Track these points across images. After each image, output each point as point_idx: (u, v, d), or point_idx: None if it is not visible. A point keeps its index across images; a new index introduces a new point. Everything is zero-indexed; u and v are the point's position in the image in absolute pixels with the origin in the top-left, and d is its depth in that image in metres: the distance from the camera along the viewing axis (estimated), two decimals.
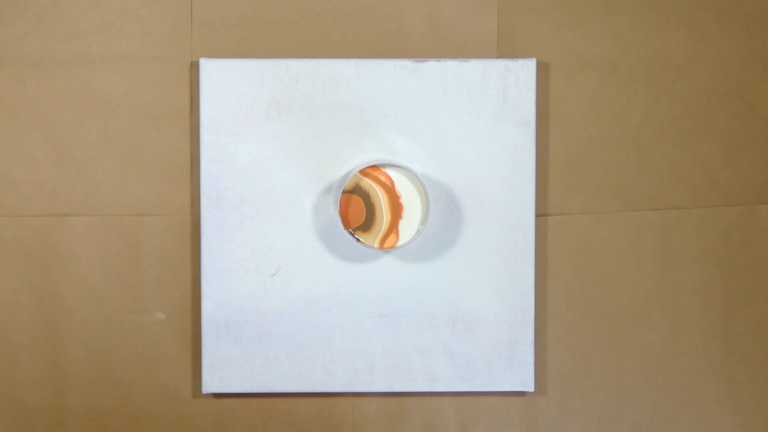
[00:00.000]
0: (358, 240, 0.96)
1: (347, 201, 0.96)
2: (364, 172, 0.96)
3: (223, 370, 1.02)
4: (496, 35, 1.03)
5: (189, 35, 1.01)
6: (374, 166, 0.96)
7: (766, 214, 1.07)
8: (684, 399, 1.08)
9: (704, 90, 1.06)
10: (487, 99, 1.01)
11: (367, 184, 0.96)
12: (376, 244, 0.96)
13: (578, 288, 1.06)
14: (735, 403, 1.09)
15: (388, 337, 1.03)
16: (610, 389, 1.07)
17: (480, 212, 1.02)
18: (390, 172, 0.96)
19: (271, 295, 1.02)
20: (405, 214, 0.97)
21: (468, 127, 1.01)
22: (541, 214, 1.05)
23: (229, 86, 1.00)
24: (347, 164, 1.01)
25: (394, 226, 0.97)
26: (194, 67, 1.01)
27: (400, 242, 0.96)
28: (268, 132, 1.00)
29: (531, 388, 1.04)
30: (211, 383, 1.02)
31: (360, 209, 0.96)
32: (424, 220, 0.96)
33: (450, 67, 1.01)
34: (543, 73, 1.03)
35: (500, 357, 1.03)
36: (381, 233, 0.96)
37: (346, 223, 0.96)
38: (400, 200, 0.96)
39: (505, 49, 1.03)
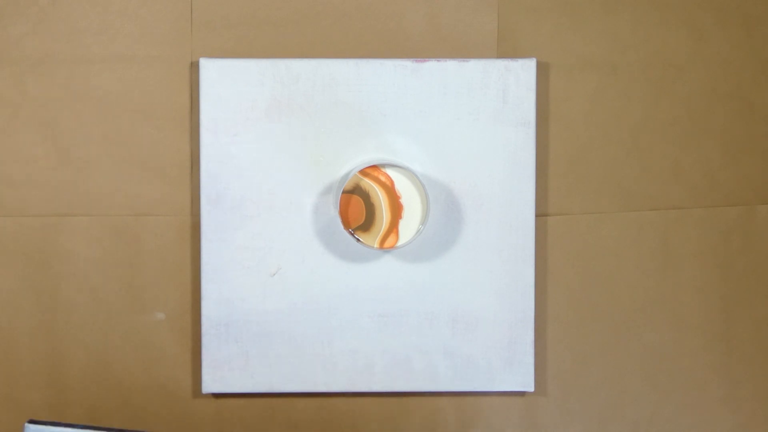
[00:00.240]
0: (358, 240, 0.96)
1: (347, 201, 0.96)
2: (364, 172, 0.96)
3: (223, 370, 1.02)
4: (496, 35, 1.03)
5: (189, 35, 1.01)
6: (374, 166, 0.96)
7: (766, 214, 1.07)
8: (684, 399, 1.08)
9: (704, 90, 1.06)
10: (487, 99, 1.01)
11: (367, 184, 0.96)
12: (376, 244, 0.96)
13: (578, 288, 1.06)
14: (735, 403, 1.09)
15: (388, 337, 1.03)
16: (610, 389, 1.07)
17: (480, 212, 1.02)
18: (390, 172, 0.96)
19: (271, 295, 1.02)
20: (405, 214, 0.97)
21: (468, 127, 1.01)
22: (541, 214, 1.05)
23: (229, 86, 1.00)
24: (347, 164, 1.01)
25: (394, 226, 0.97)
26: (194, 67, 1.01)
27: (400, 242, 0.96)
28: (268, 132, 1.00)
29: (531, 388, 1.04)
30: (211, 383, 1.02)
31: (360, 209, 0.96)
32: (424, 220, 0.96)
33: (450, 67, 1.01)
34: (543, 73, 1.03)
35: (500, 357, 1.03)
36: (381, 233, 0.96)
37: (346, 223, 0.96)
38: (400, 200, 0.96)
39: (505, 49, 1.03)
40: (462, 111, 1.01)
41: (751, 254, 1.07)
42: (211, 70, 1.00)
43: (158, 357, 1.03)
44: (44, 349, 1.03)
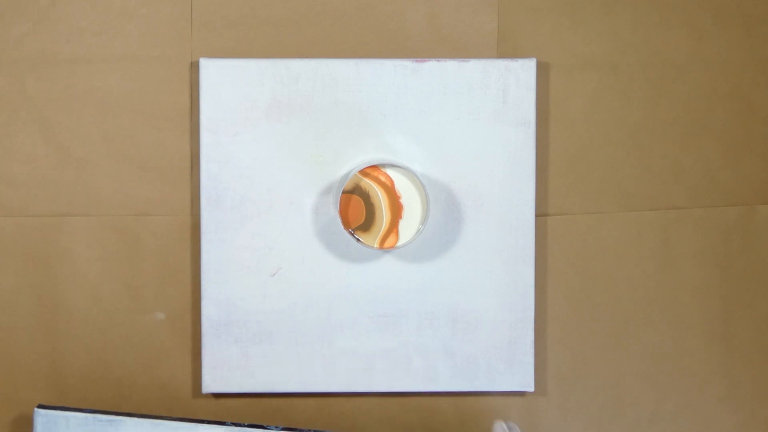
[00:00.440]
0: (358, 240, 0.96)
1: (347, 201, 0.96)
2: (364, 172, 0.96)
3: (223, 370, 1.02)
4: (496, 35, 1.03)
5: (189, 35, 1.01)
6: (374, 166, 0.96)
7: (766, 214, 1.07)
8: (684, 399, 1.08)
9: (704, 90, 1.06)
10: (487, 99, 1.01)
11: (367, 184, 0.96)
12: (376, 244, 0.96)
13: (578, 288, 1.06)
14: (735, 403, 1.09)
15: (388, 337, 1.03)
16: (610, 389, 1.07)
17: (480, 212, 1.02)
18: (390, 172, 0.96)
19: (271, 295, 1.02)
20: (405, 214, 0.97)
21: (468, 127, 1.01)
22: (541, 214, 1.05)
23: (229, 86, 1.00)
24: (347, 164, 1.01)
25: (394, 226, 0.97)
26: (194, 67, 1.01)
27: (400, 242, 0.96)
28: (268, 132, 1.00)
29: (531, 388, 1.04)
30: (211, 383, 1.02)
31: (360, 209, 0.96)
32: (424, 220, 0.96)
33: (450, 67, 1.01)
34: (543, 73, 1.03)
35: (500, 357, 1.03)
36: (381, 233, 0.96)
37: (346, 223, 0.96)
38: (400, 200, 0.96)
39: (505, 49, 1.03)
40: (462, 111, 1.01)
41: (751, 254, 1.07)
42: (211, 70, 1.00)
43: (158, 357, 1.03)
44: (44, 349, 1.03)
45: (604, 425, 1.07)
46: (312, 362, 1.02)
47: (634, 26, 1.04)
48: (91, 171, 1.02)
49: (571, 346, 1.06)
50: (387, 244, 0.97)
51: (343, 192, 0.96)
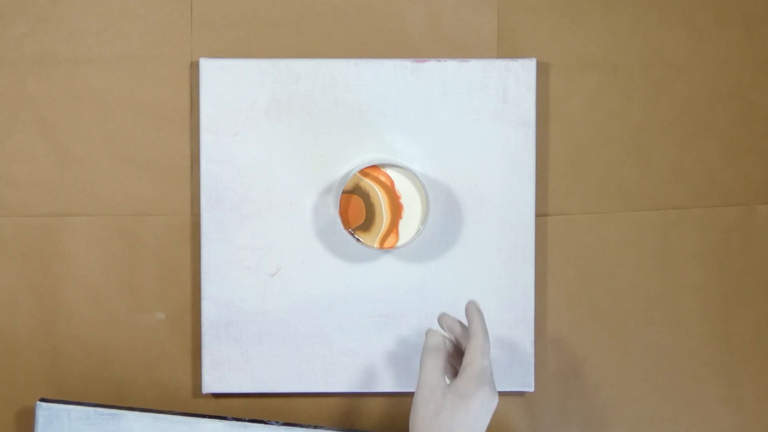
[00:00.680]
0: (358, 240, 0.96)
1: (347, 201, 0.96)
2: (364, 172, 0.96)
3: (223, 370, 1.02)
4: (496, 35, 1.03)
5: (189, 35, 1.01)
6: (374, 166, 0.96)
7: (766, 214, 1.07)
8: (684, 399, 1.08)
9: (704, 90, 1.06)
10: (487, 99, 1.01)
11: (367, 184, 0.96)
12: (376, 244, 0.96)
13: (578, 288, 1.06)
14: (735, 403, 1.09)
15: (388, 337, 1.03)
16: (610, 389, 1.07)
17: (480, 212, 1.02)
18: (390, 172, 0.96)
19: (271, 295, 1.02)
20: (405, 214, 0.97)
21: (468, 127, 1.01)
22: (541, 214, 1.05)
23: (229, 86, 1.00)
24: (347, 164, 1.01)
25: (394, 226, 0.97)
26: (194, 67, 1.01)
27: (400, 242, 0.96)
28: (268, 132, 1.00)
29: (531, 388, 1.04)
30: (211, 383, 1.02)
31: (360, 209, 0.96)
32: (424, 220, 0.96)
33: (450, 67, 1.01)
34: (543, 73, 1.03)
35: (500, 357, 1.03)
36: (381, 233, 0.96)
37: (346, 223, 0.96)
38: (400, 200, 0.96)
39: (505, 49, 1.03)
40: (462, 111, 1.01)
41: (751, 254, 1.07)
42: (211, 70, 1.00)
43: (158, 357, 1.03)
44: (44, 348, 1.03)
45: (604, 425, 1.07)
46: (312, 362, 1.02)
47: (634, 26, 1.04)
48: (91, 171, 1.02)
49: (571, 346, 1.06)
50: (387, 244, 0.97)
51: (343, 192, 0.96)
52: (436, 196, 1.01)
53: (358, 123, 1.01)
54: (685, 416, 1.08)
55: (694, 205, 1.06)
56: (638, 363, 1.07)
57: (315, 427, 1.00)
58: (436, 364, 0.86)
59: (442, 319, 0.91)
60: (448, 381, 0.87)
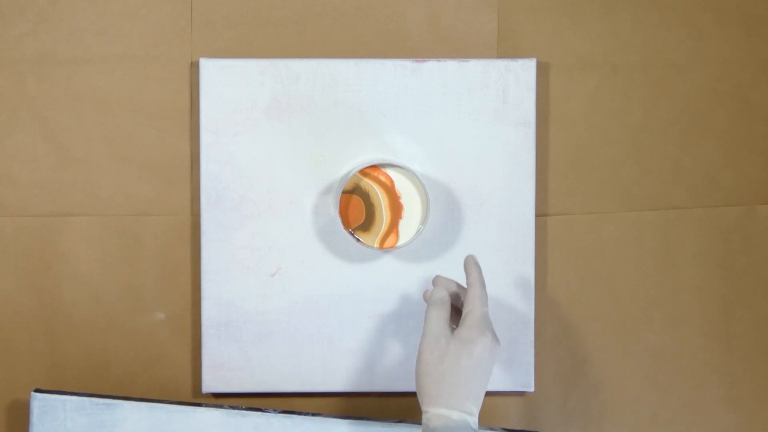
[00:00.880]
0: (358, 240, 0.96)
1: (347, 201, 0.96)
2: (364, 172, 0.96)
3: (223, 370, 1.02)
4: (496, 35, 1.03)
5: (189, 35, 1.01)
6: (374, 166, 0.96)
7: (766, 214, 1.07)
8: (684, 399, 1.08)
9: (704, 90, 1.06)
10: (487, 99, 1.01)
11: (367, 184, 0.96)
12: (376, 244, 0.96)
13: (578, 288, 1.06)
14: (735, 403, 1.09)
15: (388, 337, 1.03)
16: (610, 389, 1.07)
17: (480, 212, 1.02)
18: (390, 172, 0.96)
19: (271, 295, 1.02)
20: (405, 214, 0.97)
21: (468, 127, 1.01)
22: (541, 214, 1.05)
23: (229, 86, 1.00)
24: (347, 164, 1.01)
25: (394, 226, 0.97)
26: (194, 67, 1.01)
27: (400, 242, 0.96)
28: (268, 132, 1.00)
29: (531, 388, 1.04)
30: (211, 383, 1.02)
31: (360, 209, 0.96)
32: (424, 220, 0.96)
33: (450, 67, 1.01)
34: (543, 73, 1.03)
35: (500, 357, 1.03)
36: (381, 233, 0.96)
37: (346, 223, 0.96)
38: (400, 200, 0.96)
39: (505, 49, 1.03)
40: (462, 111, 1.01)
41: (751, 254, 1.07)
42: (211, 70, 1.00)
43: (158, 357, 1.03)
44: (44, 348, 1.03)
45: (604, 425, 1.07)
46: (312, 362, 1.02)
47: (634, 26, 1.04)
48: (91, 171, 1.02)
49: (571, 346, 1.06)
50: (387, 244, 0.97)
51: (343, 192, 0.96)
52: (436, 196, 1.01)
53: (358, 123, 1.01)
54: (685, 416, 1.08)
55: (694, 205, 1.06)
56: (638, 363, 1.07)
57: (313, 415, 1.00)
58: (441, 315, 0.87)
59: (437, 280, 0.92)
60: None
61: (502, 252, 1.02)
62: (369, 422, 1.00)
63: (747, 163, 1.07)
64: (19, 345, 1.02)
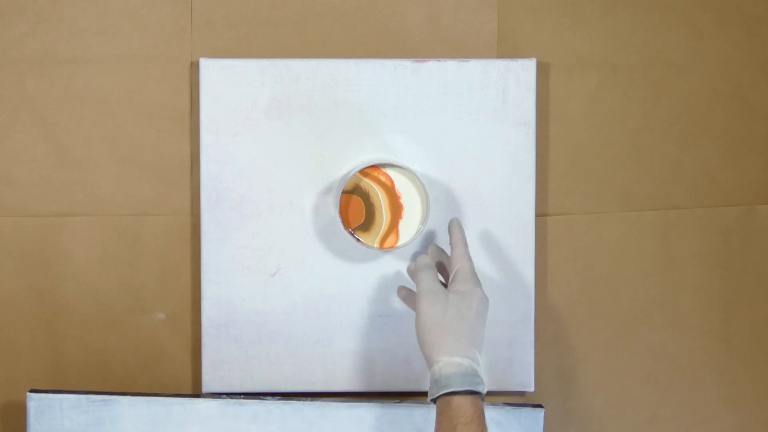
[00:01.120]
0: (358, 240, 0.96)
1: (347, 201, 0.96)
2: (364, 172, 0.96)
3: (223, 370, 1.02)
4: (496, 35, 1.03)
5: (189, 35, 1.01)
6: (374, 166, 0.96)
7: (766, 214, 1.07)
8: (684, 399, 1.08)
9: (704, 90, 1.06)
10: (487, 99, 1.01)
11: (367, 184, 0.96)
12: (376, 244, 0.96)
13: (578, 288, 1.06)
14: (735, 403, 1.09)
15: (388, 337, 1.03)
16: (610, 389, 1.07)
17: (480, 212, 1.02)
18: (390, 172, 0.96)
19: (271, 295, 1.02)
20: (405, 214, 0.97)
21: (468, 127, 1.01)
22: (541, 214, 1.05)
23: (229, 86, 1.00)
24: (347, 164, 1.01)
25: (394, 226, 0.97)
26: (194, 67, 1.01)
27: (400, 242, 0.96)
28: (268, 132, 1.00)
29: (531, 388, 1.04)
30: (211, 383, 1.02)
31: (360, 209, 0.96)
32: (424, 220, 0.96)
33: (450, 67, 1.01)
34: (543, 73, 1.03)
35: (500, 357, 1.03)
36: (381, 233, 0.96)
37: (346, 223, 0.96)
38: (400, 200, 0.96)
39: (505, 49, 1.03)
40: (462, 111, 1.01)
41: (751, 254, 1.07)
42: (211, 70, 1.00)
43: (158, 357, 1.03)
44: (44, 348, 1.02)
45: (604, 425, 1.07)
46: (312, 362, 1.02)
47: (634, 26, 1.04)
48: (91, 171, 1.02)
49: (571, 346, 1.06)
50: (387, 244, 0.97)
51: (343, 192, 0.96)
52: (436, 196, 1.01)
53: (358, 123, 1.01)
54: (685, 416, 1.08)
55: (694, 205, 1.06)
56: (638, 363, 1.07)
57: (312, 399, 1.00)
58: (431, 274, 0.92)
59: (430, 247, 0.98)
60: None
61: (502, 252, 1.02)
62: (369, 404, 1.00)
63: (747, 163, 1.07)
64: (18, 345, 1.02)
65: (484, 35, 1.03)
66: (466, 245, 0.93)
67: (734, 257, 1.07)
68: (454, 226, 0.95)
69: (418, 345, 0.89)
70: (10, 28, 1.00)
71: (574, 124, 1.05)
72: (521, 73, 1.01)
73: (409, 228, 0.96)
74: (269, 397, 0.99)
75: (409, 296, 0.97)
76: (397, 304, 1.02)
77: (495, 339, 1.03)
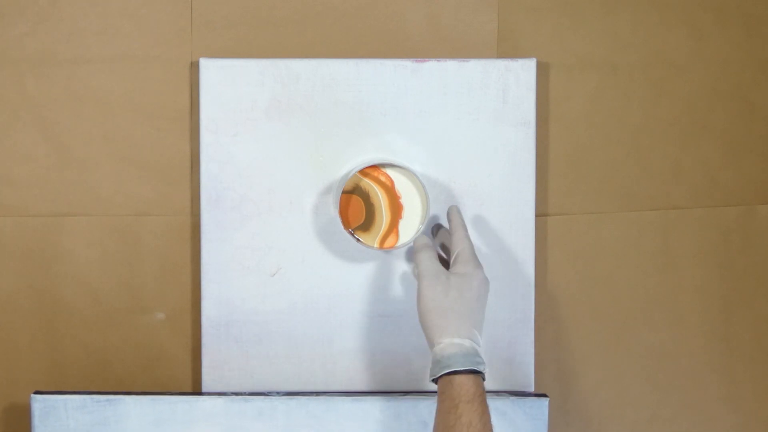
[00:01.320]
0: (358, 240, 0.96)
1: (347, 201, 0.96)
2: (363, 172, 0.96)
3: (223, 370, 1.02)
4: (496, 35, 1.03)
5: (189, 35, 1.01)
6: (374, 166, 0.96)
7: (766, 214, 1.07)
8: (684, 399, 1.08)
9: (704, 90, 1.06)
10: (487, 99, 1.01)
11: (367, 184, 0.96)
12: (376, 244, 0.96)
13: (578, 288, 1.06)
14: (735, 403, 1.09)
15: (388, 337, 1.03)
16: (610, 389, 1.07)
17: (480, 212, 1.02)
18: (390, 172, 0.96)
19: (271, 295, 1.02)
20: (405, 214, 0.97)
21: (468, 127, 1.01)
22: (541, 214, 1.05)
23: (229, 86, 1.00)
24: (347, 164, 1.01)
25: (394, 226, 0.97)
26: (194, 67, 1.01)
27: (400, 242, 0.96)
28: (268, 132, 1.00)
29: (531, 388, 1.04)
30: (211, 383, 1.02)
31: (360, 209, 0.96)
32: (424, 220, 0.96)
33: (450, 67, 1.01)
34: (543, 73, 1.03)
35: (500, 357, 1.03)
36: (381, 233, 0.96)
37: (346, 223, 0.96)
38: (400, 200, 0.96)
39: (505, 49, 1.03)
40: (462, 111, 1.01)
41: (751, 254, 1.07)
42: (211, 70, 1.00)
43: (158, 357, 1.03)
44: (44, 348, 1.03)
45: (604, 425, 1.07)
46: (312, 362, 1.02)
47: (634, 26, 1.04)
48: (91, 171, 1.02)
49: (571, 346, 1.06)
50: (387, 244, 0.97)
51: (343, 192, 0.96)
52: (436, 196, 1.01)
53: (358, 123, 1.01)
54: (685, 416, 1.08)
55: (694, 205, 1.06)
56: (638, 363, 1.07)
57: (317, 394, 1.00)
58: (431, 256, 0.93)
59: (433, 228, 1.01)
60: None
61: (502, 252, 1.02)
62: (374, 397, 1.00)
63: (747, 163, 1.07)
64: (18, 345, 1.02)
65: (484, 35, 1.03)
66: (465, 229, 0.95)
67: (734, 257, 1.07)
68: (453, 212, 0.96)
69: (420, 326, 0.91)
70: (10, 28, 1.00)
71: (574, 124, 1.05)
72: (521, 73, 1.01)
73: (409, 228, 0.96)
74: (274, 393, 1.00)
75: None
76: (397, 304, 1.02)
77: (495, 339, 1.03)
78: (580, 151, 1.05)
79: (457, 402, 0.86)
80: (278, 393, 1.00)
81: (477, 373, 0.87)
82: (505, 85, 1.01)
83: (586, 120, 1.05)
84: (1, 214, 1.01)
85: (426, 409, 1.00)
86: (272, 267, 1.01)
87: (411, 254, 1.01)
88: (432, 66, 1.01)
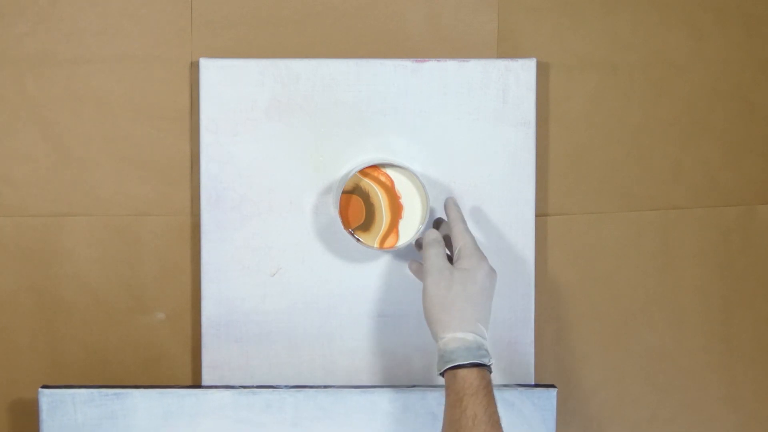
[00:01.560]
0: (358, 240, 0.96)
1: (347, 201, 0.96)
2: (363, 172, 0.96)
3: (223, 370, 1.02)
4: (496, 35, 1.03)
5: (189, 35, 1.01)
6: (374, 166, 0.96)
7: (766, 214, 1.07)
8: (684, 399, 1.08)
9: (704, 90, 1.06)
10: (487, 99, 1.01)
11: (367, 184, 0.96)
12: (376, 244, 0.96)
13: (578, 288, 1.06)
14: (735, 403, 1.09)
15: (388, 337, 1.03)
16: (610, 389, 1.07)
17: (480, 212, 1.02)
18: (390, 172, 0.96)
19: (271, 295, 1.02)
20: (405, 214, 0.97)
21: (468, 127, 1.01)
22: (541, 214, 1.05)
23: (229, 86, 1.00)
24: (347, 164, 1.01)
25: (394, 226, 0.97)
26: (194, 67, 1.01)
27: (400, 242, 0.96)
28: (268, 132, 1.00)
29: None
30: (211, 383, 1.02)
31: (360, 209, 0.96)
32: (424, 220, 0.96)
33: (450, 67, 1.01)
34: (543, 73, 1.03)
35: (500, 357, 1.03)
36: (381, 233, 0.96)
37: (346, 223, 0.96)
38: (400, 200, 0.96)
39: (505, 49, 1.03)
40: (462, 111, 1.01)
41: (751, 254, 1.07)
42: (211, 70, 1.00)
43: (158, 357, 1.03)
44: (44, 348, 1.03)
45: (604, 425, 1.07)
46: (312, 362, 1.02)
47: (634, 26, 1.04)
48: (91, 171, 1.02)
49: (571, 346, 1.06)
50: (387, 244, 0.97)
51: (343, 192, 0.96)
52: (436, 196, 1.01)
53: (358, 123, 1.01)
54: (685, 416, 1.08)
55: (694, 205, 1.06)
56: (638, 363, 1.07)
57: (325, 387, 1.00)
58: (439, 252, 0.93)
59: (436, 221, 1.01)
60: None
61: (503, 252, 1.02)
62: (382, 389, 1.00)
63: (747, 163, 1.07)
64: (19, 345, 1.02)
65: (484, 35, 1.03)
66: (464, 222, 0.95)
67: (734, 257, 1.07)
68: (450, 205, 0.97)
69: (424, 323, 0.92)
70: (10, 28, 1.00)
71: (574, 124, 1.05)
72: (521, 73, 1.01)
73: (409, 228, 0.96)
74: (282, 386, 1.00)
75: (419, 270, 0.98)
76: (398, 304, 1.02)
77: (495, 339, 1.03)
78: (580, 151, 1.05)
79: (461, 395, 0.87)
80: (286, 386, 1.00)
81: (482, 366, 0.88)
82: (505, 85, 1.01)
83: (586, 120, 1.05)
84: (1, 214, 1.01)
85: (434, 400, 1.00)
86: (272, 267, 1.01)
87: (412, 253, 1.01)
88: (432, 66, 1.01)
